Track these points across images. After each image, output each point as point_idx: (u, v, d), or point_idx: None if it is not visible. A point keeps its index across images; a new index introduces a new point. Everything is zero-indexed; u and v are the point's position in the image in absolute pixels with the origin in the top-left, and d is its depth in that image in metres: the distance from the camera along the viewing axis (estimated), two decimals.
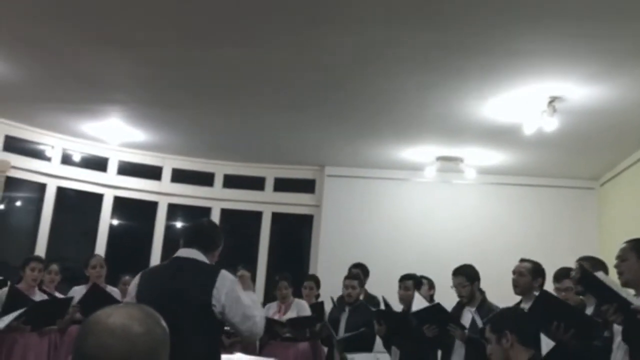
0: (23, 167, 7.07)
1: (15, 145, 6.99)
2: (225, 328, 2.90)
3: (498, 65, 4.42)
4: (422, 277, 5.10)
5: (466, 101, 5.18)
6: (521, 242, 6.76)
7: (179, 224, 8.41)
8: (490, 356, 2.59)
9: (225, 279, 2.66)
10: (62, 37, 4.50)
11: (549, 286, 3.99)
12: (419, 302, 4.25)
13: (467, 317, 4.05)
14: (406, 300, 4.72)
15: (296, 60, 4.64)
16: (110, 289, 5.11)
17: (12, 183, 7.05)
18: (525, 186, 7.49)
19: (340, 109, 5.69)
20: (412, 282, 4.83)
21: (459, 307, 4.24)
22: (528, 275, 3.83)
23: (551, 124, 5.02)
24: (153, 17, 4.09)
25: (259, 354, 4.86)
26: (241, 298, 2.66)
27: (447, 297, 4.44)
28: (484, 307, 4.05)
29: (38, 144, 7.24)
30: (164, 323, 1.18)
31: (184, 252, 2.76)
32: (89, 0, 3.92)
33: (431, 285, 5.27)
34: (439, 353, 4.35)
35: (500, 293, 4.20)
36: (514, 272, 3.91)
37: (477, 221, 7.47)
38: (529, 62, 4.34)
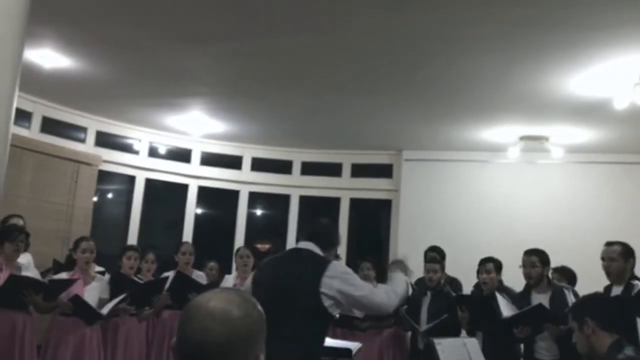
0: (113, 160, 7.47)
1: (105, 140, 7.40)
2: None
3: (585, 38, 4.19)
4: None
5: (551, 77, 4.95)
6: (613, 224, 6.42)
7: (259, 211, 8.62)
8: (576, 344, 2.54)
9: (337, 266, 2.71)
10: (146, 36, 4.69)
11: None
12: (504, 306, 4.10)
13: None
14: (487, 284, 4.61)
15: (372, 44, 4.60)
16: (197, 273, 5.31)
17: (104, 176, 7.48)
18: (617, 164, 7.09)
19: (418, 92, 5.60)
20: (493, 265, 4.71)
21: (526, 293, 4.10)
22: (620, 259, 3.63)
23: None
24: (229, 12, 4.17)
25: None
26: (355, 282, 2.69)
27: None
28: (557, 292, 3.91)
29: (126, 138, 7.62)
30: (260, 307, 1.21)
31: (302, 244, 2.87)
32: (169, 0, 4.06)
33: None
34: None
35: (594, 278, 4.02)
36: (603, 259, 3.70)
37: (564, 203, 7.16)
38: (618, 33, 4.08)
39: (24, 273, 4.26)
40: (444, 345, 3.09)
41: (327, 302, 2.62)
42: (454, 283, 5.40)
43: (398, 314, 5.01)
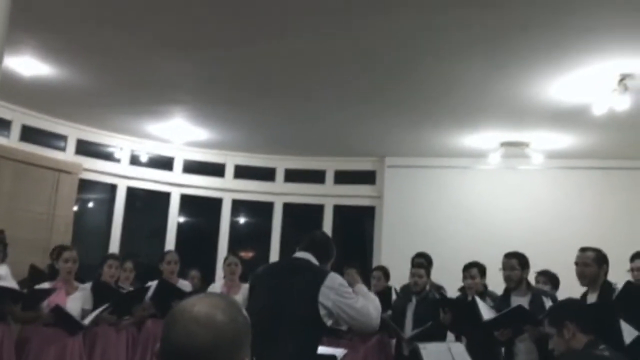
0: (94, 168, 7.39)
1: (86, 148, 7.32)
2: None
3: (564, 43, 4.26)
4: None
5: (532, 83, 5.02)
6: (594, 228, 6.51)
7: (242, 219, 8.58)
8: (553, 349, 2.57)
9: (334, 279, 2.71)
10: (127, 43, 4.66)
11: (615, 271, 3.81)
12: (485, 310, 4.12)
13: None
14: (472, 289, 4.65)
15: (353, 52, 4.62)
16: (182, 282, 5.27)
17: (85, 185, 7.38)
18: (597, 169, 7.19)
19: (400, 98, 5.64)
20: (477, 270, 4.76)
21: (506, 296, 4.13)
22: (593, 264, 3.65)
23: (622, 103, 4.79)
24: (210, 19, 4.17)
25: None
26: (350, 299, 2.70)
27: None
28: (536, 297, 3.95)
29: (107, 146, 7.55)
30: (245, 312, 1.21)
31: (299, 254, 2.90)
32: (149, 5, 4.04)
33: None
34: None
35: (575, 282, 4.05)
36: (577, 264, 3.73)
37: (545, 208, 7.24)
38: (597, 39, 4.15)
39: (1, 283, 4.19)
40: (429, 350, 3.11)
41: (322, 312, 2.63)
42: (440, 291, 5.42)
43: (382, 320, 5.01)
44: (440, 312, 4.71)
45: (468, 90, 5.31)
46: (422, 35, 4.28)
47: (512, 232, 6.94)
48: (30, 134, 6.76)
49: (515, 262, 4.08)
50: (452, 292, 5.43)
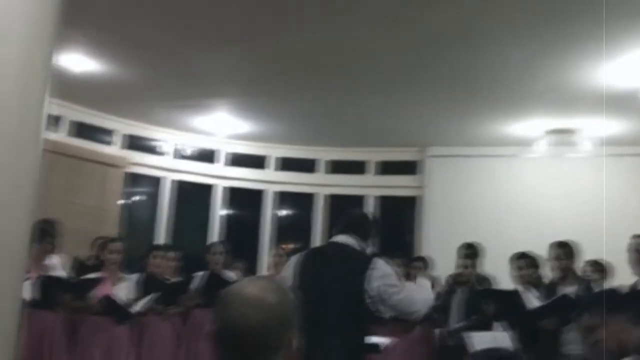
0: (141, 162, 7.57)
1: (132, 143, 7.51)
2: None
3: (614, 27, 4.11)
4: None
5: (579, 68, 4.88)
6: None
7: (284, 211, 8.64)
8: (598, 343, 2.47)
9: (379, 266, 2.69)
10: (171, 37, 4.75)
11: None
12: (530, 301, 4.03)
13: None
14: (521, 281, 4.54)
15: (396, 40, 4.58)
16: (228, 273, 5.34)
17: (132, 179, 7.58)
18: None
19: (443, 86, 5.57)
20: (524, 262, 4.64)
21: (553, 287, 4.03)
22: None
23: None
24: (253, 11, 4.20)
25: None
26: (395, 287, 2.68)
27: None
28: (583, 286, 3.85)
29: (153, 140, 7.72)
30: (292, 295, 1.25)
31: (339, 238, 2.85)
32: (194, 1, 4.10)
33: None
34: None
35: (626, 272, 3.94)
36: (629, 251, 3.63)
37: (593, 196, 7.02)
38: None
39: (52, 273, 4.34)
40: (473, 338, 3.07)
41: (368, 300, 2.62)
42: (486, 282, 5.33)
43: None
44: (483, 304, 4.62)
45: (512, 78, 5.20)
46: (464, 22, 4.20)
47: (558, 222, 6.76)
48: (79, 130, 6.98)
49: (562, 251, 3.99)
50: (501, 283, 5.32)
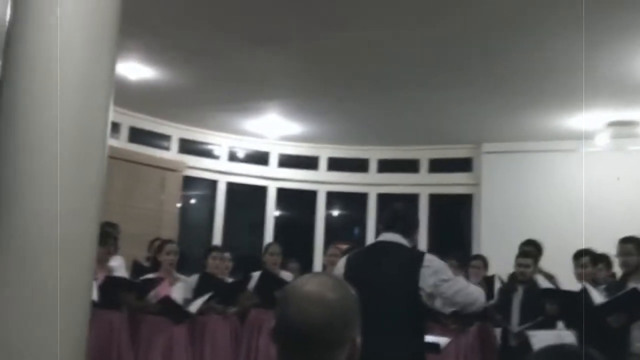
0: (196, 166, 7.74)
1: (188, 147, 7.69)
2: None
3: None
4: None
5: None
6: None
7: (337, 211, 8.65)
8: None
9: (432, 262, 2.67)
10: (221, 41, 4.83)
11: None
12: (596, 297, 3.89)
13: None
14: (585, 278, 4.40)
15: (448, 35, 4.52)
16: (284, 273, 5.40)
17: (188, 182, 7.76)
18: None
19: (496, 81, 5.45)
20: (588, 259, 4.49)
21: (622, 283, 3.87)
22: None
23: None
24: (301, 11, 4.23)
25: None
26: (449, 281, 2.66)
27: None
28: None
29: (207, 144, 7.88)
30: (353, 291, 1.23)
31: (386, 237, 2.84)
32: (243, 1, 4.16)
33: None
34: None
35: None
36: None
37: None
38: None
39: (116, 274, 4.49)
40: (539, 338, 2.99)
41: (424, 297, 2.60)
42: (551, 280, 5.18)
43: (486, 310, 4.88)
44: (547, 304, 4.49)
45: (570, 70, 5.03)
46: (518, 15, 4.10)
47: (623, 217, 6.50)
48: (137, 135, 7.20)
49: (632, 247, 3.85)
50: (562, 282, 5.17)
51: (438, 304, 2.74)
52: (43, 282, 2.31)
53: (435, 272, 2.62)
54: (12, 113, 2.45)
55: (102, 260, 4.46)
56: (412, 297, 2.61)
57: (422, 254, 2.72)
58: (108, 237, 4.54)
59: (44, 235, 2.33)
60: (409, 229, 2.83)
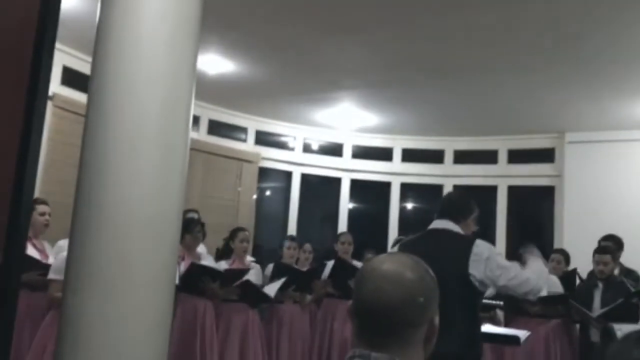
0: (271, 157, 7.89)
1: (263, 139, 7.85)
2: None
3: None
4: None
5: None
6: None
7: (411, 203, 8.57)
8: None
9: (482, 247, 2.65)
10: (296, 33, 4.88)
11: None
12: None
13: None
14: None
15: (528, 21, 4.35)
16: (356, 263, 5.43)
17: (263, 173, 7.93)
18: None
19: (581, 66, 5.19)
20: None
21: None
22: None
23: None
24: (378, 0, 4.20)
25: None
26: (502, 263, 2.64)
27: None
28: None
29: (282, 135, 8.01)
30: (432, 272, 1.21)
31: (437, 224, 2.85)
32: None
33: None
34: None
35: None
36: None
37: None
38: None
39: (202, 262, 4.64)
40: (624, 332, 2.84)
41: (476, 283, 2.58)
42: (632, 275, 4.95)
43: (568, 304, 4.73)
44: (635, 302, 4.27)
45: None
46: None
47: None
48: (215, 128, 7.43)
49: None
50: None
51: (491, 290, 2.70)
52: (133, 259, 2.47)
53: (486, 259, 2.60)
54: (103, 106, 2.60)
55: (191, 247, 4.63)
56: (463, 282, 2.58)
57: (472, 240, 2.68)
58: (196, 224, 4.70)
59: (134, 218, 2.48)
60: (461, 215, 2.80)
